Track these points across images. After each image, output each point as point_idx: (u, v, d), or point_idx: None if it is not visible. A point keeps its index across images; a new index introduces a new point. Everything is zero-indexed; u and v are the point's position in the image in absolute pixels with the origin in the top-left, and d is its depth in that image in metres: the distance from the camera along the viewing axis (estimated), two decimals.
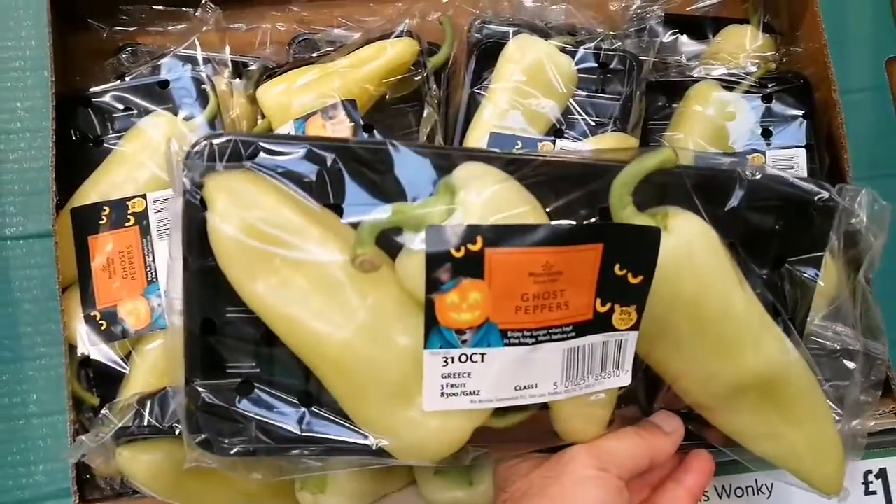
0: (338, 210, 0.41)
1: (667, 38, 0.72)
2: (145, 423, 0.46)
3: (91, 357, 0.55)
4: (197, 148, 0.39)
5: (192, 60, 0.66)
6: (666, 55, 0.71)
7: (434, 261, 0.36)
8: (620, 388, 0.42)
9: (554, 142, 0.63)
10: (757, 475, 0.60)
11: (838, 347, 0.50)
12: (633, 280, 0.38)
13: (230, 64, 0.67)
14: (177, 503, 0.50)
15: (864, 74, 0.68)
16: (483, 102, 0.66)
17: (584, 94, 0.66)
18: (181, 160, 0.39)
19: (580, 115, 0.66)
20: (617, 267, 0.38)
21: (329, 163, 0.41)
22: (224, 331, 0.41)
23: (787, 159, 0.60)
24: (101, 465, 0.49)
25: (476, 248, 0.36)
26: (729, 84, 0.66)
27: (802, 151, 0.63)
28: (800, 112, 0.65)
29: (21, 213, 0.54)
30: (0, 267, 0.54)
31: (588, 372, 0.40)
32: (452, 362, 0.38)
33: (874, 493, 0.57)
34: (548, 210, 0.41)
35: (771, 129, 0.65)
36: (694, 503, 0.46)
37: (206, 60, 0.67)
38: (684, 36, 0.72)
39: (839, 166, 0.62)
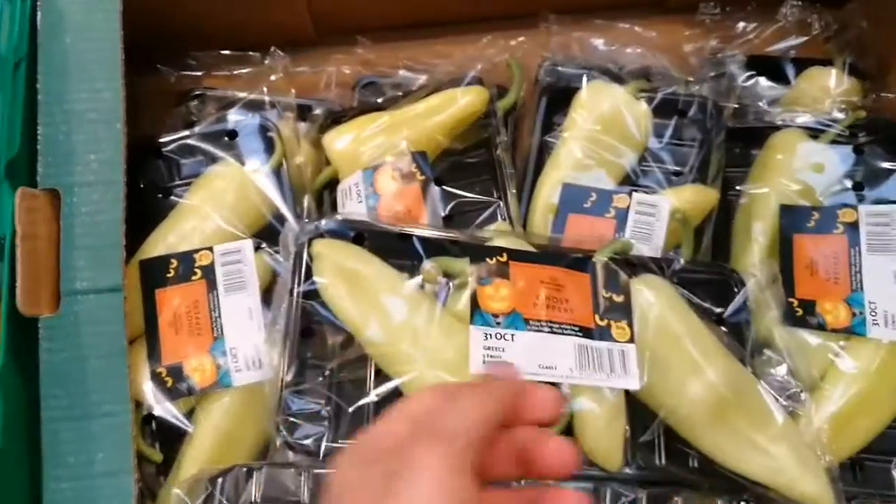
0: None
1: (745, 80, 0.69)
2: None
3: (155, 413, 0.55)
4: (310, 226, 0.54)
5: (258, 105, 0.66)
6: (744, 99, 0.68)
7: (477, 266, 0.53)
8: (627, 391, 0.52)
9: (630, 194, 0.60)
10: None
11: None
12: (617, 299, 0.53)
13: (295, 107, 0.67)
14: None
15: None
16: (555, 151, 0.64)
17: (661, 141, 0.64)
18: (295, 239, 0.54)
19: (656, 164, 0.63)
20: (603, 291, 0.53)
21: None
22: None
23: (883, 216, 0.56)
24: None
25: (503, 259, 0.53)
26: (814, 132, 0.63)
27: None
28: None
29: (91, 268, 0.53)
30: (71, 321, 0.53)
31: (599, 368, 0.50)
32: (490, 338, 0.50)
33: None
34: None
35: (863, 182, 0.61)
36: None
37: (272, 104, 0.67)
38: (763, 78, 0.69)
39: None
